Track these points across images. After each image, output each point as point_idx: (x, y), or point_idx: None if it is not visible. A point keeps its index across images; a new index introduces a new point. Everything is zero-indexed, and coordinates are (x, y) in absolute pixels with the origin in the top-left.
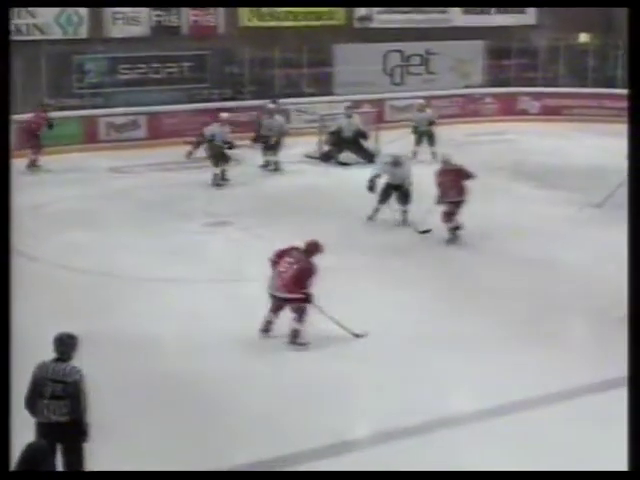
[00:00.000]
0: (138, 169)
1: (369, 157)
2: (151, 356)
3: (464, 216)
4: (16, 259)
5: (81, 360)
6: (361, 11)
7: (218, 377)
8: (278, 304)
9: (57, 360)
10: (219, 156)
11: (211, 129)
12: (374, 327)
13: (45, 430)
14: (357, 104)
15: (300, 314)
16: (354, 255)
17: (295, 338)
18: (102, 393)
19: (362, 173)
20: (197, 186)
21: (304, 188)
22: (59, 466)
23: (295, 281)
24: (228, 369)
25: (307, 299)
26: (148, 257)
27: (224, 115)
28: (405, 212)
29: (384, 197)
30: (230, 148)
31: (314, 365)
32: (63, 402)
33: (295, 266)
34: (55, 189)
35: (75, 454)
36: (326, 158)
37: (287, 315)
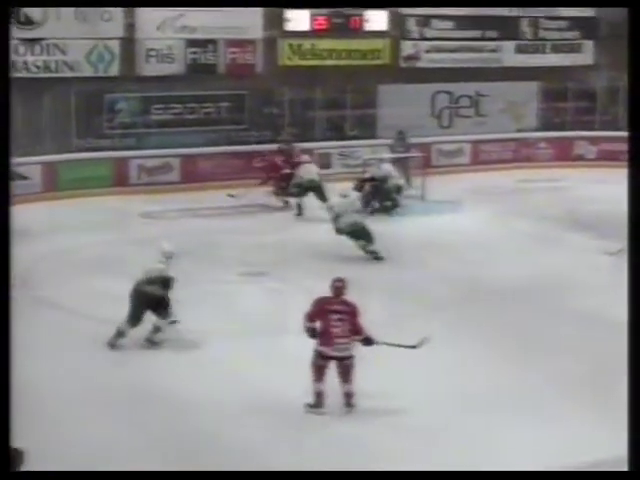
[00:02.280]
0: (170, 215)
1: (393, 206)
2: (178, 415)
3: (517, 268)
4: (37, 307)
5: (101, 413)
6: (408, 50)
7: (249, 444)
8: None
9: None
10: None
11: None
12: (422, 387)
13: None
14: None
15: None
16: (394, 306)
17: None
18: (121, 450)
19: (404, 221)
20: (232, 233)
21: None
22: None
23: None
24: (261, 435)
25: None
26: (178, 308)
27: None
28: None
29: None
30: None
31: (360, 436)
32: None
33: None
34: (83, 234)
35: None
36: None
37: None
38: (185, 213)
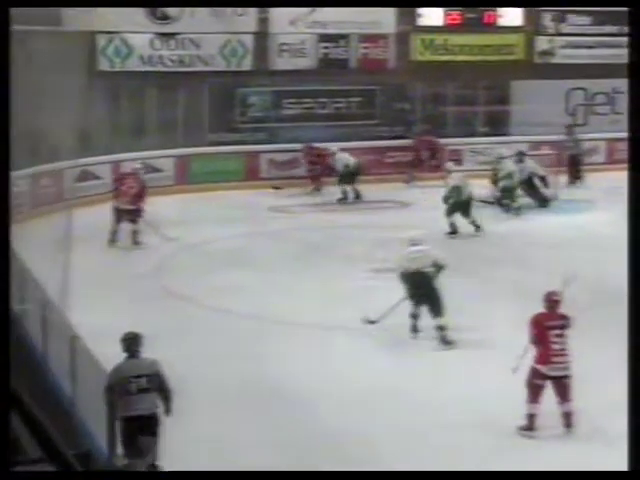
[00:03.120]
0: (300, 209)
1: (543, 202)
2: (305, 410)
3: None
4: (168, 298)
5: (231, 405)
6: (543, 45)
7: (381, 444)
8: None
9: (130, 358)
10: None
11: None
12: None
13: (134, 423)
14: (535, 146)
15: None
16: (524, 309)
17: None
18: (251, 444)
19: (536, 220)
20: (361, 229)
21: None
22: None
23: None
24: (392, 435)
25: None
26: (307, 303)
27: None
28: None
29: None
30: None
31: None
32: (150, 395)
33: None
34: (213, 227)
35: (156, 442)
36: (501, 204)
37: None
38: (314, 208)
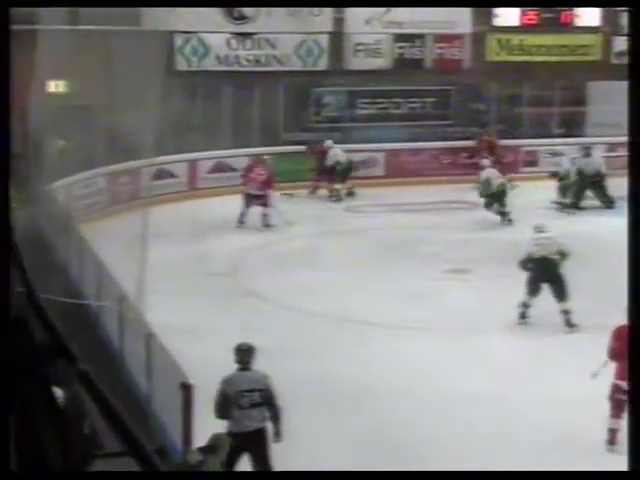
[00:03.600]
0: (375, 209)
1: (608, 202)
2: (374, 410)
3: None
4: (245, 297)
5: (305, 403)
6: (621, 46)
7: (441, 445)
8: None
9: (242, 370)
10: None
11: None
12: None
13: (243, 438)
14: (612, 147)
15: None
16: (600, 310)
17: None
18: (315, 443)
19: (602, 222)
20: (438, 229)
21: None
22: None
23: None
24: (453, 436)
25: None
26: (380, 302)
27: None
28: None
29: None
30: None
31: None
32: (260, 409)
33: None
34: (288, 226)
35: (268, 456)
36: (573, 205)
37: None
38: (389, 208)
